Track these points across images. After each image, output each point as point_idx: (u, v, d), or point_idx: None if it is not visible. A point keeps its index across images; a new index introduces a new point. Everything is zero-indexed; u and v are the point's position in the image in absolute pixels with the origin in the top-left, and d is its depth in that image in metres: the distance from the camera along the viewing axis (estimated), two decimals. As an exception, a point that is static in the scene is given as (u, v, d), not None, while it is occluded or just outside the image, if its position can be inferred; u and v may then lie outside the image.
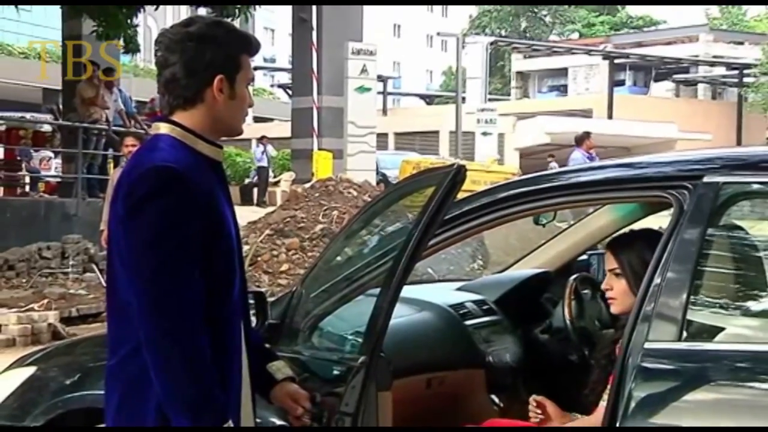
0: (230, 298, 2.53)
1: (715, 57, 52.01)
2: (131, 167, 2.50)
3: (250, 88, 2.68)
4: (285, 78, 43.90)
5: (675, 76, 52.69)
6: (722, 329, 2.97)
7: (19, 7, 13.34)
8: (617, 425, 2.75)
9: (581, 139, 16.81)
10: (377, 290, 3.01)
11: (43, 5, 16.43)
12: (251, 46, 2.63)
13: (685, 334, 2.82)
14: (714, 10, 68.08)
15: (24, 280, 12.95)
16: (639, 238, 3.36)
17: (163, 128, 2.55)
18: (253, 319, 3.10)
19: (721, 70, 51.79)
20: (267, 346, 3.00)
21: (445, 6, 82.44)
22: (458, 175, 2.87)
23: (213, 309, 2.44)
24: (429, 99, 60.28)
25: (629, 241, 3.35)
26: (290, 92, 29.39)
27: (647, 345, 2.79)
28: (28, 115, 23.75)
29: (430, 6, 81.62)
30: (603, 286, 3.36)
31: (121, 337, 2.49)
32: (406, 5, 70.70)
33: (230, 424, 2.41)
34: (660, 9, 66.13)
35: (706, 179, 2.92)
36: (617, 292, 3.27)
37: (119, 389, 2.50)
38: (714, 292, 3.01)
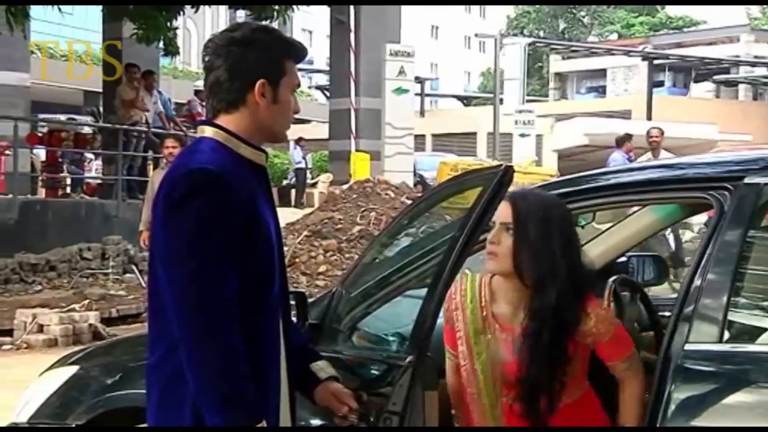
0: (268, 300, 2.55)
1: (756, 57, 51.49)
2: (172, 170, 2.53)
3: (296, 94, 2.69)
4: (323, 80, 44.04)
5: (715, 76, 52.23)
6: (764, 330, 2.94)
7: (62, 9, 13.46)
8: (657, 425, 2.74)
9: (622, 141, 16.72)
10: (420, 291, 3.01)
11: (84, 5, 16.48)
12: (296, 51, 2.64)
13: (726, 335, 2.80)
14: (755, 10, 67.41)
15: (65, 281, 13.10)
16: (547, 205, 3.05)
17: (207, 131, 2.58)
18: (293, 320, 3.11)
19: (762, 71, 51.25)
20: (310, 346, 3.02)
21: (482, 7, 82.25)
22: (506, 175, 2.86)
23: (251, 309, 2.47)
24: (467, 100, 60.16)
25: (536, 204, 3.03)
26: (328, 94, 29.45)
27: (688, 346, 2.78)
28: (62, 117, 24.00)
29: (467, 7, 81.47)
30: (490, 238, 3.02)
31: (160, 336, 2.52)
32: (443, 5, 70.59)
33: (264, 423, 2.42)
34: (700, 9, 65.59)
35: (747, 180, 2.91)
36: (502, 248, 2.98)
37: (158, 386, 2.54)
38: (755, 294, 2.99)
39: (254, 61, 2.54)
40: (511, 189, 3.00)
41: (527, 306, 2.99)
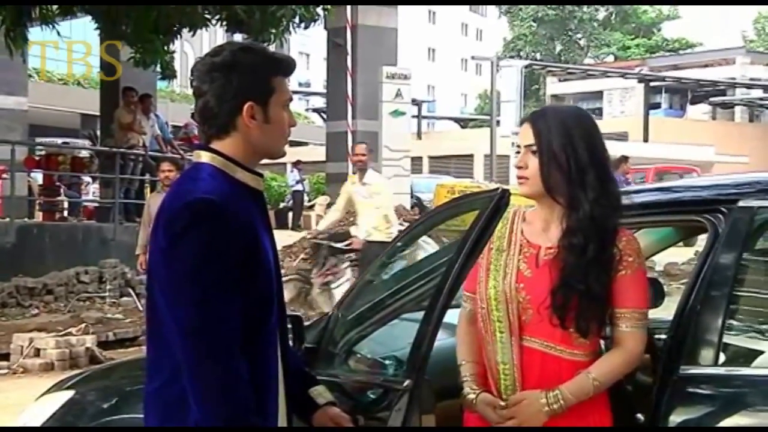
0: (267, 327, 2.54)
1: (752, 79, 51.67)
2: (172, 197, 2.51)
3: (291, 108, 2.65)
4: (320, 102, 44.18)
5: (711, 98, 52.40)
6: (760, 353, 2.95)
7: (60, 33, 13.51)
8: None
9: (618, 163, 16.79)
10: (418, 314, 3.01)
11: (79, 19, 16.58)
12: (283, 66, 2.61)
13: (721, 358, 2.81)
14: (751, 32, 67.74)
15: (62, 305, 13.07)
16: (567, 117, 2.96)
17: (204, 156, 2.56)
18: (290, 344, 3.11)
19: (758, 93, 51.43)
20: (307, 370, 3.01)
21: (479, 29, 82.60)
22: (502, 199, 2.85)
23: (251, 335, 2.46)
24: (463, 122, 60.30)
25: (555, 118, 2.95)
26: (325, 116, 29.53)
27: (683, 370, 2.78)
28: (59, 140, 24.06)
29: (464, 29, 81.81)
30: (517, 164, 2.99)
31: (160, 363, 2.51)
32: (448, 5, 70.94)
33: None
34: (696, 31, 65.90)
35: (741, 203, 2.92)
36: (531, 171, 2.93)
37: (158, 414, 2.52)
38: (750, 316, 3.00)
39: (239, 84, 2.51)
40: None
41: (563, 223, 2.89)
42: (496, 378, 2.91)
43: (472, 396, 2.94)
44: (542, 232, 2.94)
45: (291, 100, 2.65)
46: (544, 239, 2.92)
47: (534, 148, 2.91)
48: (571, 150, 2.86)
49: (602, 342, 2.92)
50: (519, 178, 2.96)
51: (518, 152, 2.99)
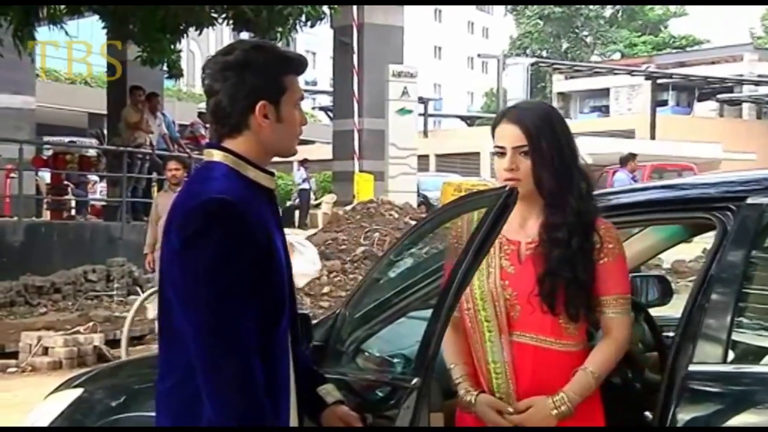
0: (280, 327, 2.53)
1: (759, 76, 51.55)
2: (185, 197, 2.49)
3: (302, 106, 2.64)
4: (326, 100, 44.21)
5: (719, 95, 52.29)
6: (769, 350, 2.95)
7: (68, 32, 13.55)
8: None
9: (626, 160, 16.80)
10: (425, 312, 3.01)
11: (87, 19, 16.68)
12: (295, 65, 2.59)
13: (730, 355, 2.80)
14: (758, 29, 67.58)
15: (70, 303, 13.12)
16: (550, 116, 2.97)
17: (216, 155, 2.55)
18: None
19: (766, 90, 51.31)
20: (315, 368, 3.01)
21: (485, 27, 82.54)
22: (510, 197, 2.82)
23: (263, 337, 2.45)
24: (470, 120, 60.26)
25: (538, 116, 2.94)
26: (331, 115, 29.56)
27: (692, 367, 2.78)
28: (66, 139, 24.10)
29: (470, 27, 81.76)
30: (508, 166, 2.93)
31: (172, 362, 2.50)
32: (454, 4, 70.88)
33: None
34: (703, 28, 65.81)
35: (750, 200, 2.91)
36: (523, 172, 2.90)
37: (170, 413, 2.51)
38: (759, 314, 2.99)
39: (252, 83, 2.49)
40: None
41: (541, 217, 2.92)
42: (488, 377, 2.94)
43: (470, 397, 2.95)
44: (520, 228, 2.97)
45: (302, 98, 2.64)
46: (523, 235, 2.96)
47: (525, 149, 2.91)
48: (558, 149, 2.90)
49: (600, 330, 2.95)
50: (509, 180, 2.92)
51: (502, 153, 2.96)
